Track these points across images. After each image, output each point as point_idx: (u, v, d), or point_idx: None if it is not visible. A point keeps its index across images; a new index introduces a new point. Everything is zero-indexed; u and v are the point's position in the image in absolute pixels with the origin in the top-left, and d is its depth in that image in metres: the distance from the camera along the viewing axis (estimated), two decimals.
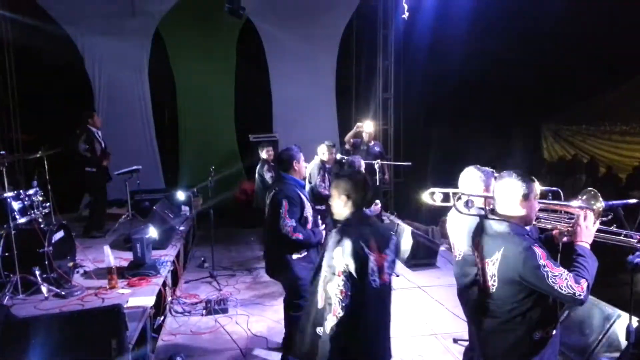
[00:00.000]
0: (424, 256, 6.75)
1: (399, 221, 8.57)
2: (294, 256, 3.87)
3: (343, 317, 2.32)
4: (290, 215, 3.76)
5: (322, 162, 6.39)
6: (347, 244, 2.35)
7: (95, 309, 3.88)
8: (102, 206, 7.10)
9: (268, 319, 5.00)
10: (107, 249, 4.70)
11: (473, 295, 2.89)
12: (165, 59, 10.02)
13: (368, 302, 2.38)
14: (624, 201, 2.67)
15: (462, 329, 4.50)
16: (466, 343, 4.27)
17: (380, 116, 10.63)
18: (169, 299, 5.32)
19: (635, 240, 2.57)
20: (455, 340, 4.51)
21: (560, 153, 12.78)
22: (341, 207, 2.58)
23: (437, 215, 7.36)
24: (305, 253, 3.92)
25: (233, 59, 10.27)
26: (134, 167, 7.62)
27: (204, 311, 5.14)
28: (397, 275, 6.30)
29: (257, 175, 7.25)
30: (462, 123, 11.80)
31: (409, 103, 11.44)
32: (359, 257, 2.34)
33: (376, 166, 7.08)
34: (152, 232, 5.24)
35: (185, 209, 7.43)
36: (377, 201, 5.07)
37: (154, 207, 6.36)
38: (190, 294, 5.65)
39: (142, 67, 9.70)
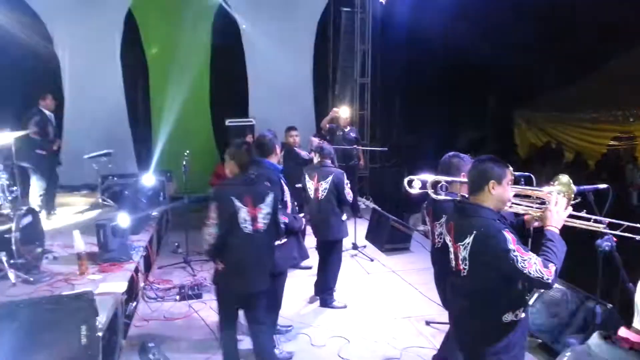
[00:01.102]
0: (398, 241, 6.81)
1: (374, 206, 8.64)
2: (275, 242, 3.85)
3: (213, 245, 3.23)
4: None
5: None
6: (216, 195, 3.31)
7: (65, 295, 3.79)
8: (51, 190, 6.92)
9: None
10: (76, 234, 4.60)
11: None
12: (137, 40, 9.75)
13: (238, 242, 3.26)
14: (594, 186, 2.73)
15: (434, 311, 4.57)
16: (439, 325, 4.36)
17: (357, 101, 10.61)
18: (142, 284, 5.26)
19: (604, 226, 2.64)
20: (427, 323, 4.58)
21: (533, 140, 13.00)
22: (229, 169, 3.40)
23: (416, 200, 7.44)
24: (286, 239, 3.90)
25: (208, 41, 10.07)
26: (106, 151, 7.45)
27: (178, 297, 5.09)
28: (372, 260, 6.35)
29: None
30: (438, 109, 11.88)
31: (386, 88, 11.45)
32: (230, 205, 3.23)
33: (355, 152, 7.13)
34: (124, 218, 5.13)
35: (158, 194, 7.32)
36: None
37: (126, 192, 6.24)
38: (164, 280, 5.59)
39: (114, 47, 9.42)
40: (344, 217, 5.02)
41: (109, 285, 4.18)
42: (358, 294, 5.34)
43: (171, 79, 9.83)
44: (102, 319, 3.43)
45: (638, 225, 2.62)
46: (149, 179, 7.15)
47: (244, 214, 3.24)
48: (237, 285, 3.35)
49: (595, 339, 1.37)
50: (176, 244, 6.62)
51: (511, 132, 13.39)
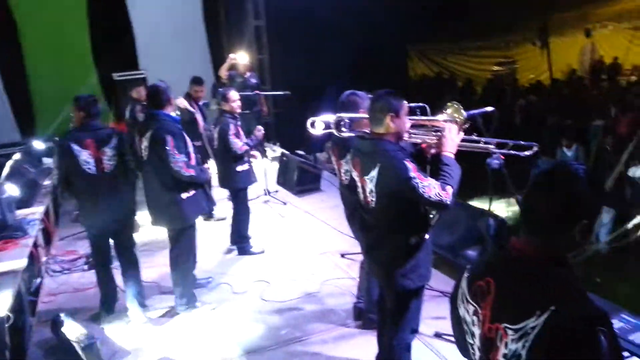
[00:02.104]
0: (308, 182, 6.95)
1: (282, 150, 8.66)
2: (183, 195, 3.75)
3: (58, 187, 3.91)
4: (178, 151, 3.60)
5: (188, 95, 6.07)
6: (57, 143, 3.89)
7: None
8: None
9: (158, 264, 4.86)
10: None
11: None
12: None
13: (81, 182, 3.66)
14: (482, 110, 2.93)
15: (348, 244, 4.78)
16: (353, 256, 4.59)
17: (254, 45, 10.29)
18: (44, 259, 4.93)
19: (493, 146, 2.87)
20: (342, 255, 4.80)
21: (426, 72, 13.59)
22: (76, 118, 3.71)
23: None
24: (194, 192, 3.81)
25: None
26: None
27: (86, 266, 4.86)
28: (285, 203, 6.44)
29: (128, 117, 6.75)
30: (336, 47, 11.87)
31: (285, 29, 11.15)
32: (68, 153, 3.59)
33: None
34: (11, 190, 4.69)
35: (47, 160, 6.73)
36: (260, 127, 5.07)
37: (10, 162, 5.67)
38: (68, 251, 5.29)
39: None
40: (242, 167, 4.87)
41: (7, 264, 3.86)
42: (274, 237, 5.43)
43: (45, 36, 8.85)
44: (4, 300, 3.19)
45: (522, 142, 2.88)
46: (35, 146, 6.53)
47: (85, 156, 3.61)
48: (89, 220, 3.85)
49: (490, 250, 1.51)
50: (76, 212, 6.22)
51: (405, 66, 13.84)
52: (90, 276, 4.61)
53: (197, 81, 6.16)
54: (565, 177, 1.32)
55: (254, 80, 8.10)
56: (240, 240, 5.10)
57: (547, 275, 1.30)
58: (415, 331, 2.80)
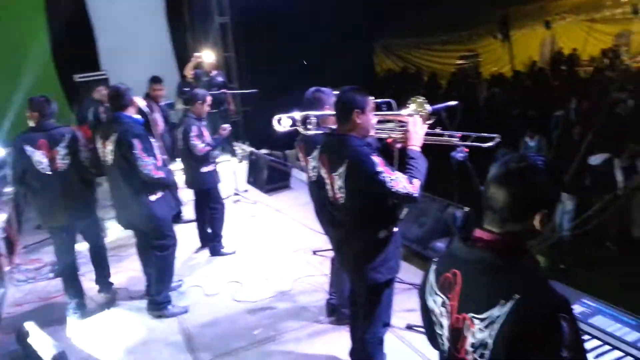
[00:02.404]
0: (278, 180, 6.93)
1: (251, 149, 8.60)
2: (152, 197, 3.69)
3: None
4: (147, 154, 3.55)
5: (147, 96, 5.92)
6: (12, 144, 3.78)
7: None
8: None
9: (126, 268, 4.78)
10: None
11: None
12: None
13: (36, 182, 3.71)
14: (445, 104, 2.96)
15: (320, 241, 4.80)
16: (325, 253, 4.60)
17: (219, 43, 10.17)
18: (7, 268, 4.77)
19: (457, 139, 2.92)
20: (314, 252, 4.81)
21: (391, 66, 13.70)
22: (32, 119, 3.75)
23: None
24: (162, 194, 3.76)
25: None
26: None
27: (51, 274, 4.72)
28: (255, 202, 6.41)
29: (91, 119, 6.59)
30: (302, 43, 11.84)
31: (251, 26, 11.04)
32: (22, 154, 3.67)
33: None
34: None
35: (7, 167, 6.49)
36: (226, 125, 4.99)
37: None
38: (32, 259, 5.13)
39: None
40: (207, 168, 4.80)
41: None
42: (245, 237, 5.40)
43: (3, 38, 8.51)
44: None
45: (485, 135, 2.95)
46: None
47: (38, 157, 3.67)
48: (48, 220, 3.90)
49: (455, 242, 1.53)
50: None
51: (371, 62, 13.93)
52: (57, 284, 4.48)
53: (156, 80, 6.03)
54: (525, 167, 1.36)
55: (220, 79, 8.02)
56: (212, 240, 5.04)
57: (510, 264, 1.33)
58: (387, 324, 2.83)
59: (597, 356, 1.79)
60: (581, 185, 6.80)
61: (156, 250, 3.88)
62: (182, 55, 9.49)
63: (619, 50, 14.05)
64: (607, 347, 1.82)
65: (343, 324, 3.44)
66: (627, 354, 1.77)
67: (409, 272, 3.95)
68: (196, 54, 7.87)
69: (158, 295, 3.95)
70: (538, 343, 1.21)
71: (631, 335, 1.83)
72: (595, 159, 6.67)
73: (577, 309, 2.00)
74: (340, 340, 3.34)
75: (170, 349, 3.58)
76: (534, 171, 1.35)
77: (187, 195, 5.67)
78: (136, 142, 3.52)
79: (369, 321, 2.71)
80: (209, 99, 4.84)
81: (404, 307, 3.57)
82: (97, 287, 4.37)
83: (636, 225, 6.72)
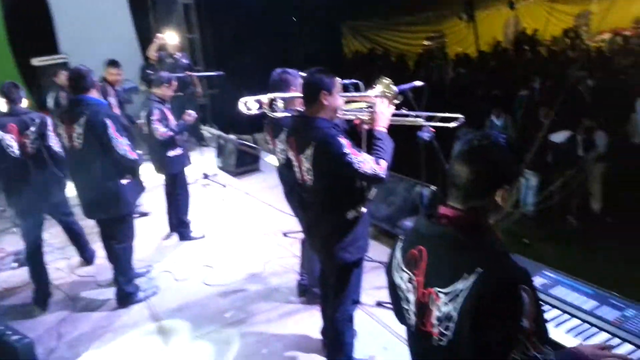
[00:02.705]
0: (247, 163, 6.89)
1: (219, 132, 8.50)
2: (123, 181, 3.63)
3: None
4: (120, 134, 3.48)
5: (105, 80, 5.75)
6: None
7: None
8: None
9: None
10: None
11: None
12: None
13: (9, 165, 3.71)
14: (411, 84, 3.00)
15: (290, 223, 4.81)
16: (295, 234, 4.62)
17: (183, 25, 9.92)
18: None
19: (423, 119, 2.96)
20: (285, 234, 4.82)
21: (359, 48, 13.68)
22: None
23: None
24: (131, 177, 3.69)
25: None
26: None
27: (16, 264, 4.60)
28: (224, 186, 6.36)
29: (52, 105, 6.38)
30: (269, 25, 11.68)
31: (215, 7, 10.80)
32: None
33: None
34: None
35: None
36: (191, 111, 4.88)
37: None
38: None
39: None
40: (174, 152, 4.70)
41: None
42: (215, 221, 5.36)
43: None
44: None
45: (449, 115, 2.99)
46: None
47: (8, 140, 3.66)
48: (16, 203, 3.91)
49: (420, 220, 1.57)
50: (1, 208, 5.85)
51: (339, 43, 13.87)
52: (22, 274, 4.38)
53: (113, 64, 5.81)
54: (486, 145, 1.39)
55: (185, 61, 7.85)
56: (180, 225, 4.99)
57: (473, 239, 1.37)
58: (356, 302, 2.88)
59: (558, 325, 1.87)
60: (544, 162, 7.02)
61: (115, 242, 3.79)
62: (145, 38, 9.21)
63: (579, 30, 14.39)
64: (566, 316, 1.91)
65: (314, 303, 3.49)
66: (585, 321, 1.85)
67: (378, 251, 4.02)
68: (159, 36, 7.67)
69: (128, 285, 3.90)
70: (499, 314, 1.26)
71: (588, 304, 1.92)
72: (557, 136, 6.87)
73: (538, 280, 2.08)
74: (311, 320, 3.39)
75: (141, 335, 3.56)
76: (495, 148, 1.38)
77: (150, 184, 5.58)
78: (109, 123, 3.46)
79: (339, 300, 2.75)
80: (174, 82, 4.74)
81: (373, 285, 3.64)
82: (62, 275, 4.30)
83: (594, 199, 7.00)
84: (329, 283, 2.83)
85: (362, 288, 2.97)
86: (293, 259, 4.26)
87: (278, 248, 4.63)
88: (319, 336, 3.20)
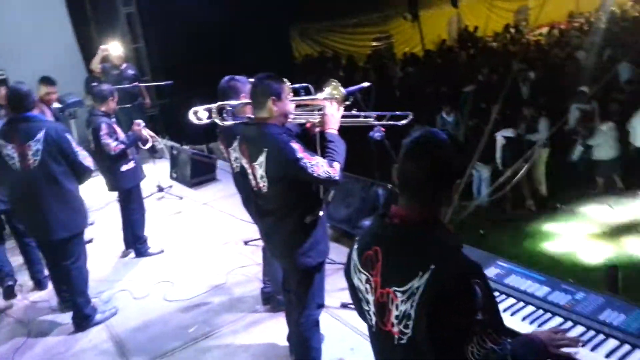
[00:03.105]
0: (203, 173, 6.77)
1: (172, 143, 8.33)
2: (78, 196, 3.64)
3: None
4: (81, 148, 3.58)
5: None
6: None
7: None
8: None
9: None
10: None
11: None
12: None
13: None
14: (360, 86, 3.02)
15: (250, 231, 4.76)
16: (256, 242, 4.58)
17: (128, 34, 9.66)
18: None
19: (373, 119, 3.00)
20: (246, 243, 4.77)
21: (308, 51, 13.74)
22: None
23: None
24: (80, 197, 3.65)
25: None
26: None
27: None
28: (181, 198, 6.23)
29: None
30: (216, 31, 11.53)
31: (160, 14, 10.57)
32: None
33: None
34: None
35: None
36: (139, 121, 4.75)
37: None
38: None
39: None
40: (127, 166, 4.55)
41: None
42: (173, 235, 5.24)
43: None
44: None
45: (399, 113, 3.05)
46: None
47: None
48: (17, 215, 3.89)
49: (375, 220, 1.59)
50: None
51: (289, 47, 13.86)
52: None
53: (47, 81, 5.37)
54: (431, 142, 1.43)
55: (131, 72, 7.66)
56: (136, 241, 4.84)
57: (425, 237, 1.40)
58: (321, 306, 2.88)
59: (513, 313, 1.93)
60: (493, 155, 7.27)
61: (71, 261, 3.63)
62: (88, 49, 8.90)
63: (520, 25, 14.98)
64: (521, 304, 1.97)
65: (279, 310, 3.47)
66: (539, 307, 1.92)
67: (339, 253, 4.02)
68: (102, 47, 7.46)
69: (87, 306, 3.76)
70: (454, 308, 1.29)
71: (541, 291, 1.99)
72: (507, 132, 7.15)
73: (492, 271, 2.14)
74: (277, 327, 3.36)
75: (101, 358, 3.43)
76: (438, 145, 1.42)
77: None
78: (69, 137, 3.46)
79: (303, 305, 2.74)
80: (116, 94, 4.61)
81: (337, 287, 3.65)
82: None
83: (542, 185, 7.31)
84: (292, 289, 2.82)
85: (326, 291, 2.97)
86: (256, 267, 4.21)
87: (240, 257, 4.57)
88: (286, 343, 3.18)
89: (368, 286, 1.50)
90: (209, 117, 2.84)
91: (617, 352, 1.65)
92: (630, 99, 7.79)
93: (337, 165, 2.45)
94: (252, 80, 2.74)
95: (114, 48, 7.48)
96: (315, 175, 2.38)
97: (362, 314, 1.61)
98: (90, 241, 5.24)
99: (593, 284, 2.13)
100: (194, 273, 4.40)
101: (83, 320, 3.74)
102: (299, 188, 2.51)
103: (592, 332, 1.74)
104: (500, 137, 7.12)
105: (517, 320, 1.88)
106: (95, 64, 7.32)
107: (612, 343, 1.69)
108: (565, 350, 1.57)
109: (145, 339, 3.57)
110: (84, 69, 8.72)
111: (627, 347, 1.66)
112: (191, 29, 11.43)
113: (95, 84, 6.73)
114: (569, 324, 1.82)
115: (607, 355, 1.63)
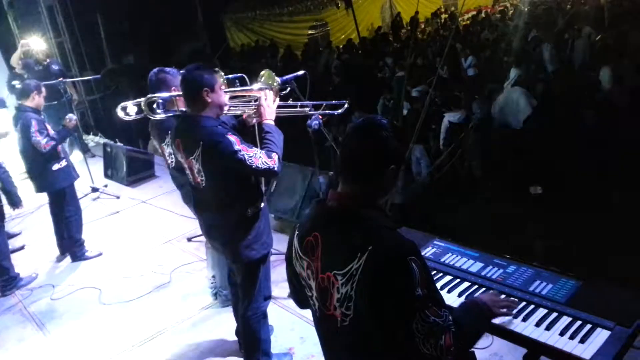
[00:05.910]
0: (140, 170, 6.55)
1: (105, 140, 8.00)
2: None
3: None
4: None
5: None
6: None
7: None
8: None
9: None
10: None
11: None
12: None
13: None
14: (294, 74, 3.00)
15: (193, 227, 4.66)
16: (199, 238, 4.49)
17: (49, 28, 9.10)
18: None
19: (309, 108, 2.99)
20: (189, 239, 4.67)
21: (245, 41, 13.52)
22: None
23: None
24: None
25: None
26: None
27: None
28: (117, 197, 6.00)
29: None
30: (146, 22, 11.11)
31: (82, 7, 10.04)
32: None
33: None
34: None
35: None
36: (71, 115, 4.54)
37: None
38: None
39: None
40: (59, 164, 4.36)
41: None
42: (111, 236, 5.05)
43: None
44: None
45: (334, 102, 3.07)
46: None
47: None
48: None
49: (313, 206, 1.60)
50: None
51: (225, 37, 13.60)
52: None
53: None
54: (373, 124, 1.47)
55: (55, 67, 7.24)
56: (73, 245, 4.62)
57: (363, 219, 1.43)
58: (268, 298, 2.86)
59: (450, 289, 2.00)
60: (431, 136, 7.48)
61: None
62: (8, 46, 8.34)
63: (449, 10, 15.43)
64: (457, 280, 2.05)
65: (226, 305, 3.43)
66: (474, 282, 2.01)
67: (284, 243, 4.00)
68: (22, 42, 7.01)
69: None
70: (393, 287, 1.33)
71: (475, 266, 2.08)
72: (453, 116, 7.35)
73: (430, 250, 2.21)
74: (226, 322, 3.33)
75: None
76: (380, 130, 1.45)
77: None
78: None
79: (250, 298, 2.72)
80: (43, 88, 4.36)
81: (284, 277, 3.57)
82: None
83: (475, 167, 7.62)
84: (238, 282, 2.80)
85: (273, 282, 2.96)
86: (201, 264, 4.15)
87: (183, 254, 4.47)
88: (235, 338, 3.16)
89: (310, 272, 1.52)
90: (139, 112, 2.74)
91: (546, 320, 1.75)
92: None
93: (275, 156, 2.43)
94: (182, 72, 2.66)
95: (35, 43, 7.04)
96: (253, 167, 2.35)
97: (303, 299, 1.64)
98: (21, 248, 4.97)
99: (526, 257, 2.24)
100: (136, 274, 4.26)
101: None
102: (239, 181, 2.48)
103: (523, 303, 1.84)
104: (446, 120, 7.32)
105: (454, 296, 1.95)
106: (16, 60, 6.87)
107: (541, 312, 1.79)
108: (500, 320, 1.67)
109: (84, 349, 3.42)
110: (5, 67, 8.17)
111: (554, 315, 1.76)
112: (119, 21, 10.94)
113: (17, 81, 6.34)
114: (502, 296, 1.91)
115: (537, 324, 1.73)
